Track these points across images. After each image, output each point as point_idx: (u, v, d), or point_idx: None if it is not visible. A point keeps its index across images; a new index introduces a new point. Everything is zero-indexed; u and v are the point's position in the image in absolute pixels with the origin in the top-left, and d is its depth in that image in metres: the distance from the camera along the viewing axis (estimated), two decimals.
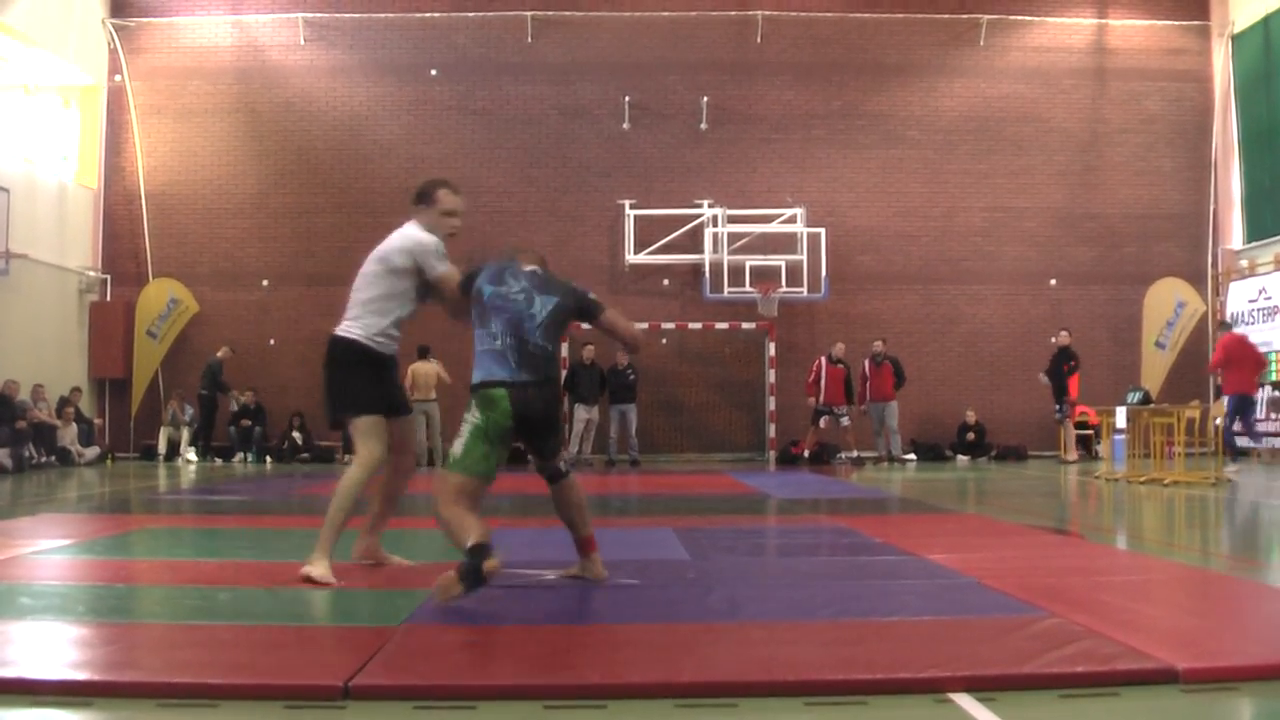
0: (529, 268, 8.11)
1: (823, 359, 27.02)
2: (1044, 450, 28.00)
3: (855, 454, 26.85)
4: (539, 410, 7.75)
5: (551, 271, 8.31)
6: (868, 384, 27.00)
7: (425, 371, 26.50)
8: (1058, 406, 26.23)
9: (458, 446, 7.76)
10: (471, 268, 8.42)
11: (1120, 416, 21.04)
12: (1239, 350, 21.65)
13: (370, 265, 9.11)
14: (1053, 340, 26.71)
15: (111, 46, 29.28)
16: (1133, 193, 29.82)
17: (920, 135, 29.75)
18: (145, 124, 29.45)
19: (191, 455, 27.69)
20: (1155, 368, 28.41)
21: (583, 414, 26.93)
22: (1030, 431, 27.78)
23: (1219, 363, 22.15)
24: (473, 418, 7.75)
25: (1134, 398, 20.97)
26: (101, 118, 29.34)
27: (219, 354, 27.74)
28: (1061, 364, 26.21)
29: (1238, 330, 24.17)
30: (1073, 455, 26.07)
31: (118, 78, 29.37)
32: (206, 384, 27.57)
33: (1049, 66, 30.03)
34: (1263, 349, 25.20)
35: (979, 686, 5.02)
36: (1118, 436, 22.17)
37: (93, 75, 28.81)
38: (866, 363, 27.06)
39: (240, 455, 27.89)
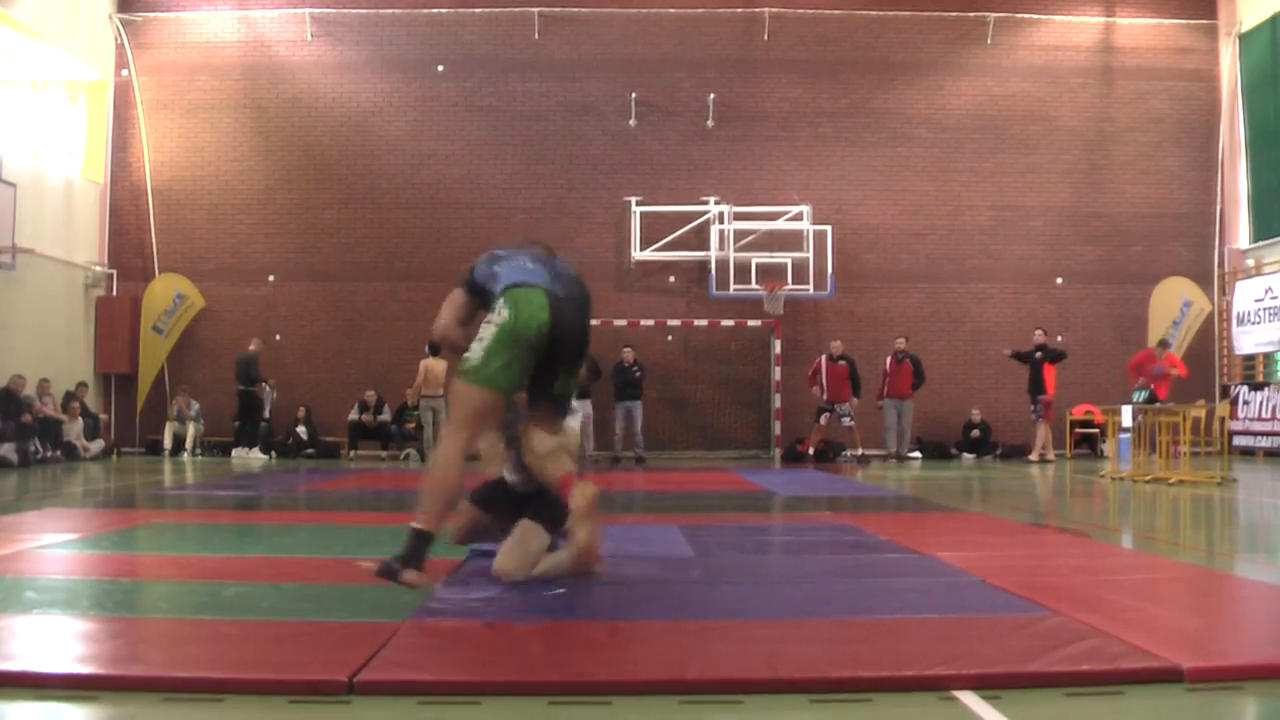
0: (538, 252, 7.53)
1: (822, 357, 27.07)
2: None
3: (860, 451, 26.89)
4: (577, 327, 7.08)
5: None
6: (886, 380, 27.05)
7: (437, 367, 26.52)
8: (1033, 406, 26.29)
9: (476, 350, 6.92)
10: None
11: (1126, 415, 21.04)
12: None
13: None
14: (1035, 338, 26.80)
15: (118, 41, 29.33)
16: (1139, 192, 29.83)
17: (927, 133, 29.77)
18: (152, 119, 29.49)
19: (258, 453, 27.57)
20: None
21: (576, 409, 26.88)
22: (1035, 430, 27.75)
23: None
24: (498, 317, 6.91)
25: (1140, 397, 20.99)
26: (108, 113, 29.37)
27: (251, 347, 27.68)
28: (1041, 361, 26.24)
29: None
30: (1049, 455, 26.09)
31: (124, 73, 29.42)
32: (243, 378, 27.51)
33: (1056, 65, 30.04)
34: (1269, 348, 25.26)
35: (984, 685, 5.01)
36: (1123, 435, 22.18)
37: (100, 70, 28.82)
38: (888, 359, 27.11)
39: (235, 451, 27.87)
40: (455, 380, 6.99)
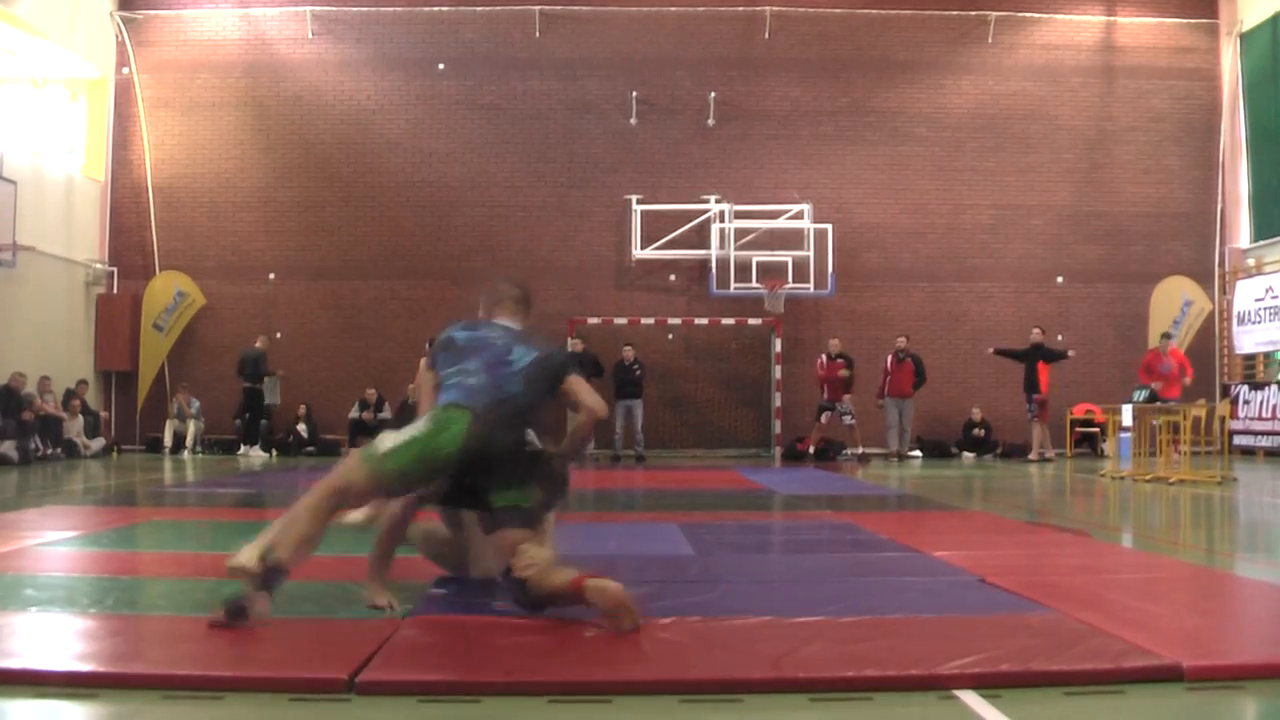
0: (504, 322, 7.38)
1: (823, 356, 27.11)
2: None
3: (860, 450, 26.91)
4: (493, 455, 6.69)
5: (532, 325, 7.59)
6: (888, 379, 27.07)
7: None
8: (1029, 405, 26.32)
9: (387, 441, 6.62)
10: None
11: (1126, 415, 21.05)
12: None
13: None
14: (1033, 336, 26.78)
15: (119, 39, 29.33)
16: (1140, 191, 29.83)
17: (928, 132, 29.76)
18: (152, 117, 29.49)
19: (257, 451, 27.63)
20: None
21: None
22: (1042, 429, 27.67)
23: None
24: (416, 428, 6.68)
25: (1140, 396, 20.98)
26: (109, 111, 29.37)
27: (258, 344, 27.65)
28: (1035, 360, 26.25)
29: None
30: (1049, 453, 26.13)
31: (125, 71, 29.42)
32: (250, 375, 27.48)
33: (1057, 64, 30.03)
34: (1270, 347, 25.26)
35: (984, 684, 5.02)
36: (1124, 435, 22.19)
37: (100, 68, 28.82)
38: (889, 358, 27.13)
39: (243, 448, 27.89)
40: (354, 451, 6.86)
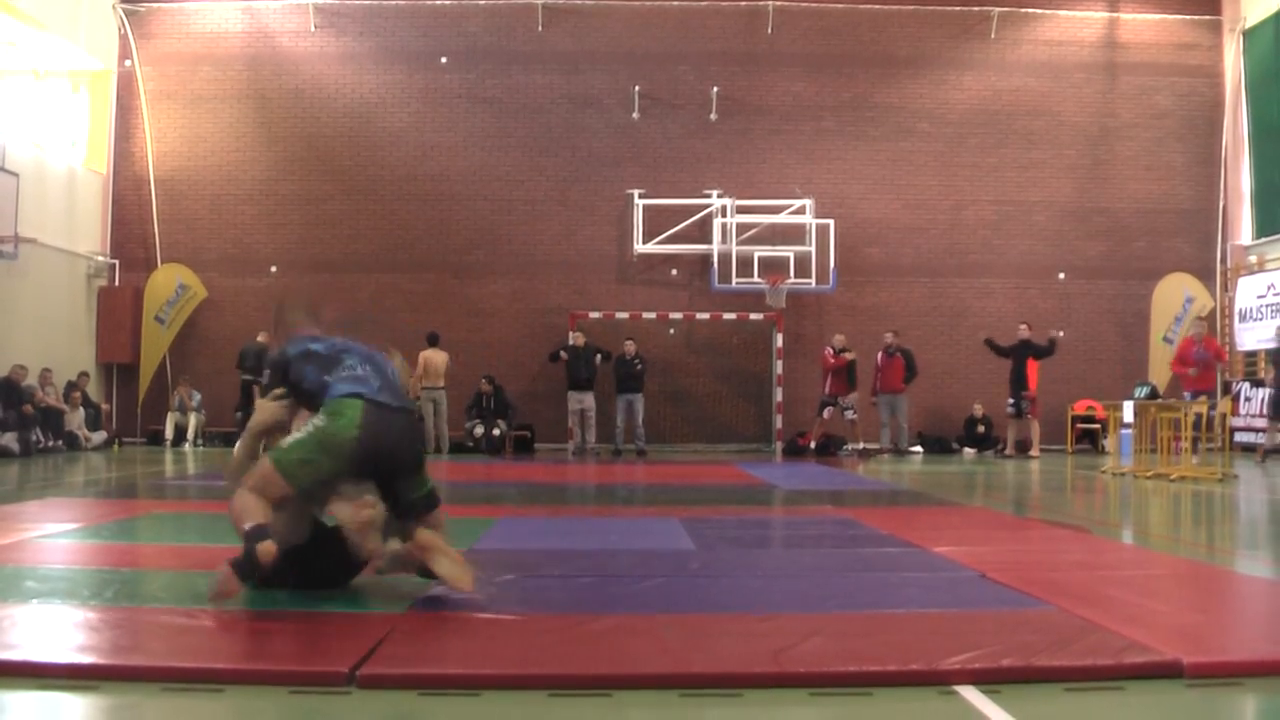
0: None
1: (827, 350, 27.12)
2: (1050, 444, 27.95)
3: (862, 445, 26.91)
4: (393, 439, 6.70)
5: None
6: (879, 376, 27.06)
7: (435, 359, 26.61)
8: (1013, 401, 26.26)
9: (288, 439, 6.75)
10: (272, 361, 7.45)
11: (1127, 411, 21.06)
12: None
13: None
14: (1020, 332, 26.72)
15: (122, 32, 29.32)
16: (1142, 187, 29.81)
17: (930, 128, 29.75)
18: (155, 109, 29.49)
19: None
20: (1163, 363, 28.35)
21: (577, 401, 27.05)
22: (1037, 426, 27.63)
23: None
24: (316, 420, 6.70)
25: (1141, 392, 20.97)
26: (111, 103, 29.36)
27: (260, 338, 27.55)
28: (1025, 357, 26.22)
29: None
30: (1034, 451, 26.12)
31: (128, 63, 29.41)
32: (250, 369, 27.30)
33: (1060, 60, 30.01)
34: (1271, 344, 25.22)
35: (985, 679, 5.01)
36: (1125, 431, 22.18)
37: (103, 60, 28.81)
38: (879, 354, 27.11)
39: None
40: (265, 454, 6.88)
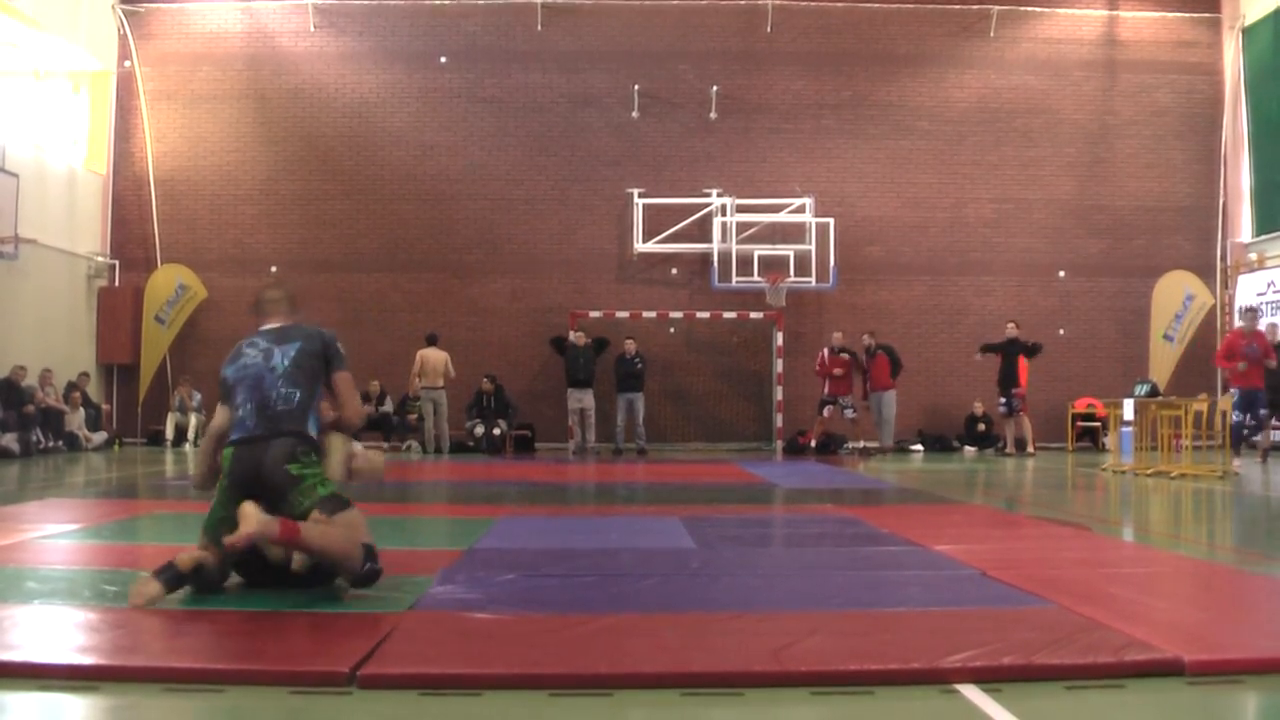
0: (268, 326, 7.65)
1: (824, 350, 27.10)
2: (1051, 442, 27.95)
3: (862, 444, 26.89)
4: (253, 467, 6.98)
5: (299, 320, 7.77)
6: (867, 376, 27.01)
7: (434, 358, 26.59)
8: (1004, 399, 26.22)
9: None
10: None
11: (1128, 409, 21.05)
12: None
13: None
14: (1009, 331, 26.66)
15: (121, 32, 29.31)
16: (1142, 185, 29.79)
17: (930, 126, 29.74)
18: (154, 110, 29.49)
19: None
20: (1163, 360, 28.41)
21: (576, 400, 27.06)
22: (1036, 423, 27.55)
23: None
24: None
25: (1142, 390, 20.95)
26: (111, 103, 29.36)
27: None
28: (1015, 354, 26.18)
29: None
30: (1030, 448, 26.08)
31: (127, 63, 29.41)
32: None
33: (1059, 58, 29.99)
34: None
35: (985, 678, 5.02)
36: (1125, 429, 22.18)
37: (102, 61, 28.81)
38: (863, 357, 27.05)
39: None
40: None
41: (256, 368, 7.31)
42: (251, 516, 6.47)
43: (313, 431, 7.18)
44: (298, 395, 7.18)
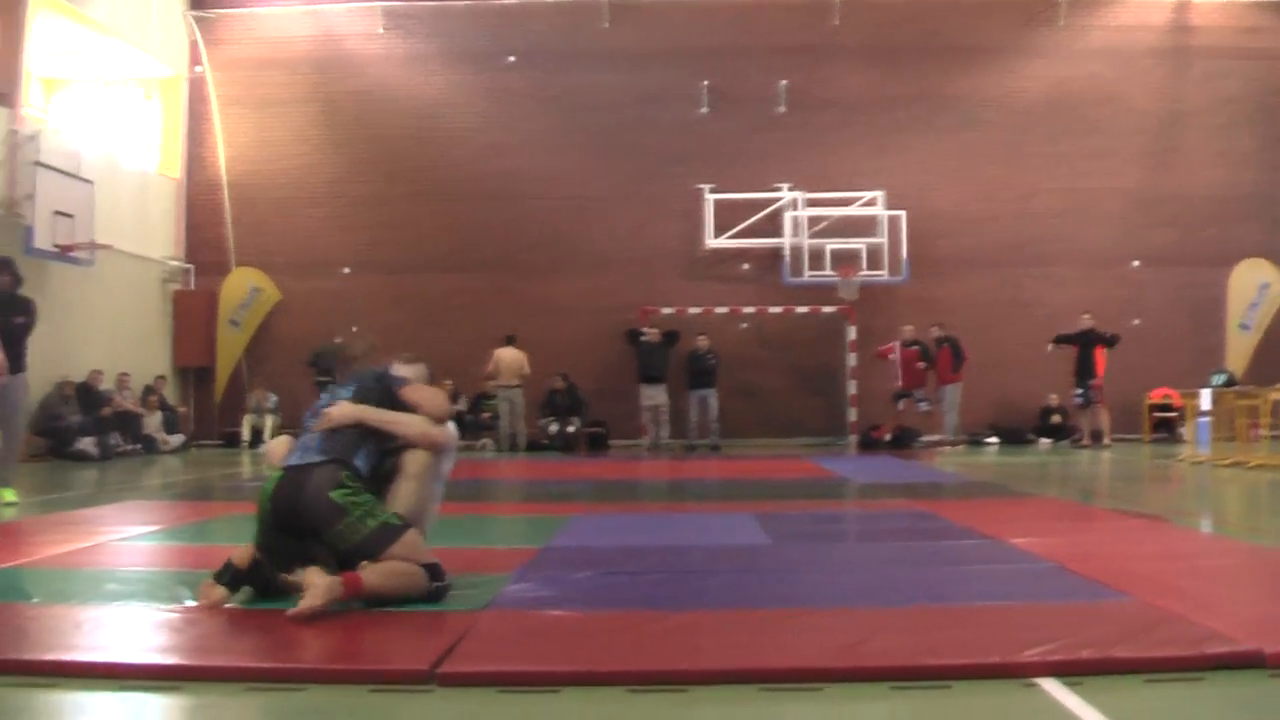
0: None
1: (896, 343, 27.03)
2: (1126, 433, 27.74)
3: (937, 438, 26.76)
4: (294, 493, 6.77)
5: (370, 364, 7.79)
6: (933, 369, 26.88)
7: (510, 357, 26.72)
8: (1080, 391, 26.01)
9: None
10: None
11: (1205, 399, 20.88)
12: None
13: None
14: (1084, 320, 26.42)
15: (192, 38, 29.52)
16: (1212, 174, 29.49)
17: (998, 117, 29.59)
18: (225, 114, 29.70)
19: None
20: (1240, 350, 28.18)
21: (649, 397, 27.06)
22: (1111, 415, 27.31)
23: None
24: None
25: (1218, 380, 20.79)
26: (183, 109, 29.61)
27: (339, 340, 27.59)
28: (1092, 345, 25.97)
29: None
30: (1106, 440, 25.85)
31: (198, 69, 29.62)
32: (324, 370, 27.19)
33: (1127, 46, 29.75)
34: None
35: (1064, 671, 5.00)
36: (1201, 419, 22.01)
37: (173, 67, 29.04)
38: (932, 348, 26.92)
39: None
40: None
41: (318, 407, 7.38)
42: (318, 587, 6.39)
43: (360, 466, 7.00)
44: (359, 445, 7.07)
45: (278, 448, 7.44)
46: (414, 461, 7.09)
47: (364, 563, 6.62)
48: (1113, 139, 29.55)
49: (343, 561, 6.67)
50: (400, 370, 7.68)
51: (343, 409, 7.11)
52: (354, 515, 6.65)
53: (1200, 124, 29.66)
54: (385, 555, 6.63)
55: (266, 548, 6.86)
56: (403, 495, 6.98)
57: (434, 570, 6.71)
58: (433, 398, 7.48)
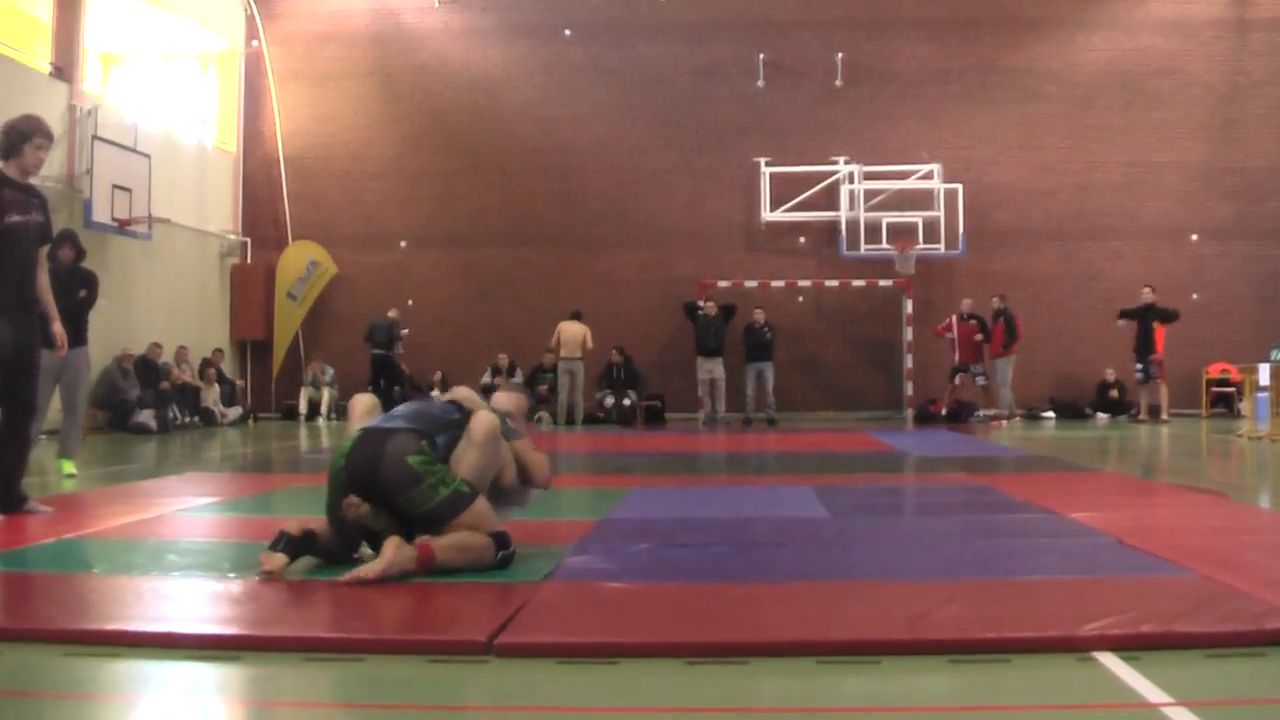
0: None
1: (954, 317, 26.96)
2: (1185, 408, 27.56)
3: (994, 411, 26.66)
4: (373, 455, 6.82)
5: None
6: (992, 341, 26.81)
7: (572, 330, 26.82)
8: (1141, 366, 25.85)
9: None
10: None
11: (1264, 374, 20.74)
12: None
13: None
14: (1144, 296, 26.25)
15: (248, 13, 29.62)
16: (1275, 146, 29.20)
17: (1058, 90, 29.38)
18: (282, 88, 29.80)
19: None
20: None
21: (706, 370, 27.06)
22: (1170, 389, 27.13)
23: None
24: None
25: (1278, 355, 20.64)
26: (240, 83, 29.74)
27: (390, 313, 27.64)
28: (1150, 321, 25.82)
29: None
30: (1164, 415, 25.68)
31: (255, 43, 29.72)
32: (379, 343, 27.34)
33: (1189, 17, 29.47)
34: None
35: (1124, 645, 4.97)
36: (1261, 394, 21.85)
37: (230, 41, 29.16)
38: (990, 320, 26.84)
39: None
40: None
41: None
42: (390, 554, 6.46)
43: (441, 443, 7.01)
44: (444, 430, 7.10)
45: (360, 403, 7.54)
46: (480, 429, 7.09)
47: (424, 537, 6.68)
48: (1174, 111, 29.31)
49: (411, 527, 6.76)
50: (501, 401, 7.79)
51: (490, 422, 7.13)
52: (429, 482, 6.72)
53: (1262, 96, 29.38)
54: (455, 523, 6.71)
55: (338, 521, 6.92)
56: (467, 462, 6.99)
57: (501, 539, 6.76)
58: (543, 467, 7.59)
